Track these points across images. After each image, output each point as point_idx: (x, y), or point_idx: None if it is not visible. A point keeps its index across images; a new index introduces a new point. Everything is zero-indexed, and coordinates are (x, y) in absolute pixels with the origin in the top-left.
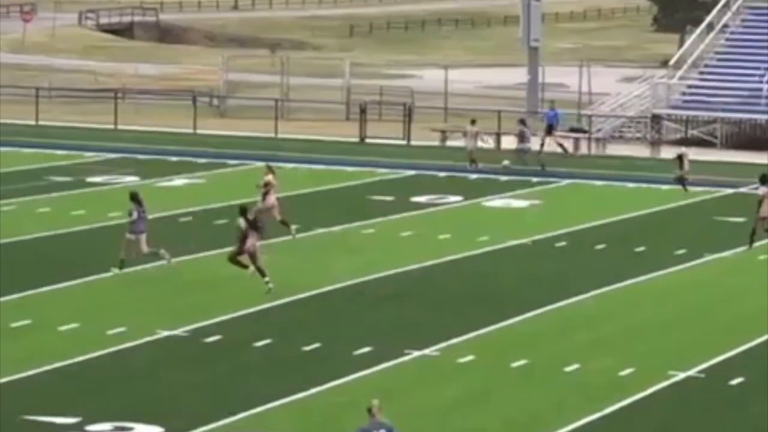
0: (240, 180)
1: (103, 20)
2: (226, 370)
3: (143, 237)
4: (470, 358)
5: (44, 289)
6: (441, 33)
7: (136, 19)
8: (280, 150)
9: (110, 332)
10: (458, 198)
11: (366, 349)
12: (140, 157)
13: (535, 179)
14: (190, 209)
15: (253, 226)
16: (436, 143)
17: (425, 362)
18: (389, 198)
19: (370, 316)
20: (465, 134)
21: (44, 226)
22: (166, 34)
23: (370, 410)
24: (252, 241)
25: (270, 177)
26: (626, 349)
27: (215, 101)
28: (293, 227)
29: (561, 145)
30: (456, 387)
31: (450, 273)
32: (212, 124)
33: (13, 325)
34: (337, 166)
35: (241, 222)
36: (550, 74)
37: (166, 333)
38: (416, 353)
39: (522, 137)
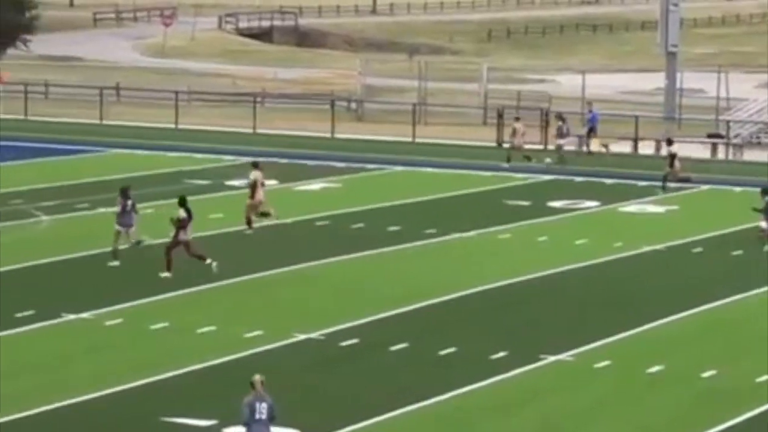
0: (377, 184)
1: (243, 24)
2: (361, 373)
3: (131, 230)
4: (606, 363)
5: (182, 291)
6: (579, 38)
7: (276, 23)
8: (417, 154)
9: (247, 335)
10: (595, 203)
11: (502, 354)
12: (278, 161)
13: (674, 185)
14: (327, 213)
15: (191, 217)
16: (573, 148)
17: (560, 367)
18: (526, 203)
19: (506, 321)
20: (513, 132)
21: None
22: (304, 39)
23: (252, 384)
24: (187, 232)
25: (257, 173)
26: (764, 355)
27: (353, 105)
28: (273, 211)
29: (605, 146)
30: (591, 392)
31: (586, 278)
32: (350, 129)
33: (152, 327)
34: (474, 171)
35: (182, 212)
36: (688, 80)
37: (302, 336)
38: (552, 358)
39: (561, 133)
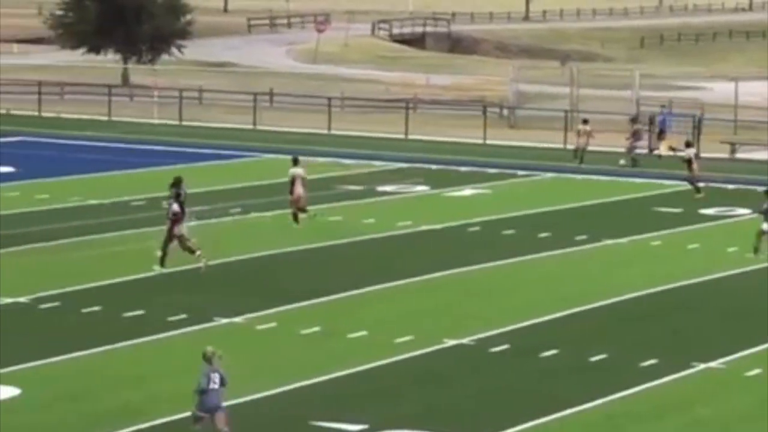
0: (528, 190)
1: (396, 30)
2: (511, 379)
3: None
4: (757, 371)
5: (334, 297)
6: (731, 45)
7: (428, 29)
8: (568, 161)
9: (398, 341)
10: (746, 211)
11: (652, 361)
12: (430, 166)
13: None
14: (478, 219)
15: (184, 212)
16: (725, 155)
17: (711, 375)
18: (677, 210)
19: (657, 328)
20: (578, 132)
21: (335, 234)
22: (457, 45)
23: (206, 356)
24: (181, 225)
25: (296, 170)
26: None
27: (505, 112)
28: (311, 211)
29: (673, 149)
30: (742, 400)
31: (737, 286)
32: (502, 135)
33: (304, 332)
34: (624, 178)
35: (175, 207)
36: None
37: (453, 342)
38: (702, 366)
39: (637, 136)
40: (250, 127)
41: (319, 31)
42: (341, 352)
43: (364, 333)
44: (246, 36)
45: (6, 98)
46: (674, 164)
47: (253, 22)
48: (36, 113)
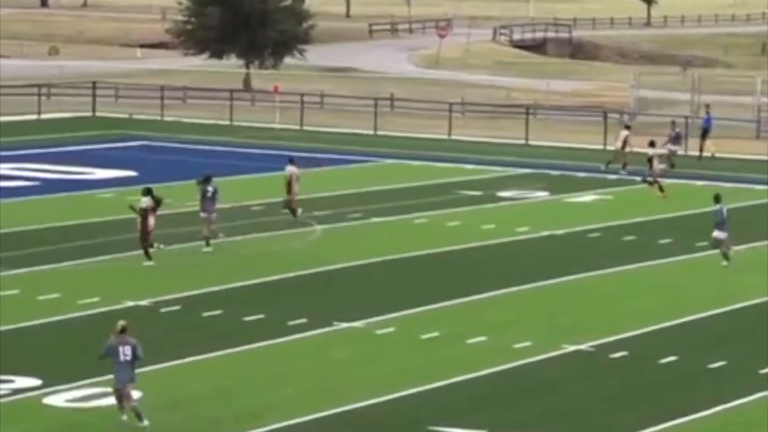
0: (649, 197)
1: (517, 36)
2: (630, 385)
3: (213, 216)
4: None
5: (453, 302)
6: None
7: (549, 35)
8: (690, 167)
9: (517, 346)
10: None
11: None
12: (550, 172)
13: None
14: (599, 225)
15: (158, 204)
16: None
17: None
18: None
19: None
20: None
21: (454, 239)
22: (578, 51)
23: (118, 329)
24: (152, 221)
25: (291, 168)
26: None
27: (626, 117)
28: (299, 211)
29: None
30: None
31: None
32: None
33: (423, 337)
34: (746, 184)
35: (144, 201)
36: None
37: (572, 348)
38: None
39: (677, 139)
40: (371, 132)
41: (441, 36)
42: (460, 357)
43: (483, 338)
44: (368, 41)
45: (129, 102)
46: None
47: (374, 28)
48: (158, 117)
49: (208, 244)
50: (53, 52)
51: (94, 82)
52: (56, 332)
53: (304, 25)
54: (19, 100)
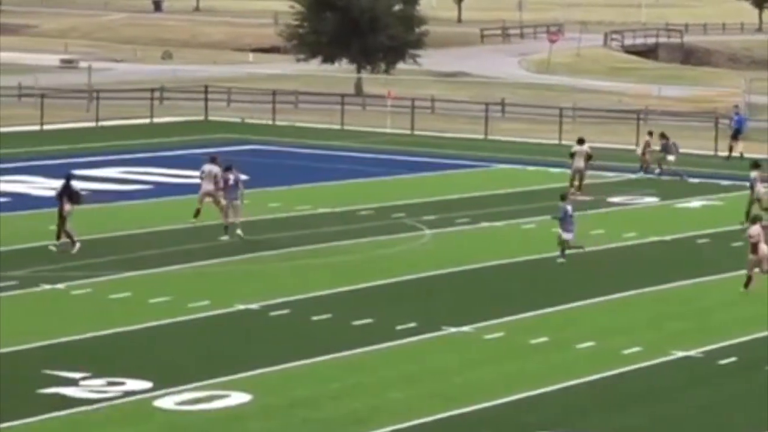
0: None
1: (628, 42)
2: (740, 392)
3: (236, 202)
4: None
5: (562, 307)
6: None
7: (661, 40)
8: None
9: (625, 351)
10: None
11: None
12: (660, 178)
13: None
14: (708, 231)
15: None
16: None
17: None
18: None
19: None
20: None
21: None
22: (689, 56)
23: None
24: (68, 207)
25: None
26: None
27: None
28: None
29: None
30: None
31: None
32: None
33: (532, 342)
34: None
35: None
36: None
37: (681, 354)
38: None
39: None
40: (482, 137)
41: (552, 41)
42: (569, 362)
43: (591, 343)
44: (479, 46)
45: (241, 107)
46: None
47: (486, 33)
48: (270, 122)
49: (228, 231)
50: (166, 56)
51: (206, 87)
52: (167, 335)
53: (417, 30)
54: (132, 104)
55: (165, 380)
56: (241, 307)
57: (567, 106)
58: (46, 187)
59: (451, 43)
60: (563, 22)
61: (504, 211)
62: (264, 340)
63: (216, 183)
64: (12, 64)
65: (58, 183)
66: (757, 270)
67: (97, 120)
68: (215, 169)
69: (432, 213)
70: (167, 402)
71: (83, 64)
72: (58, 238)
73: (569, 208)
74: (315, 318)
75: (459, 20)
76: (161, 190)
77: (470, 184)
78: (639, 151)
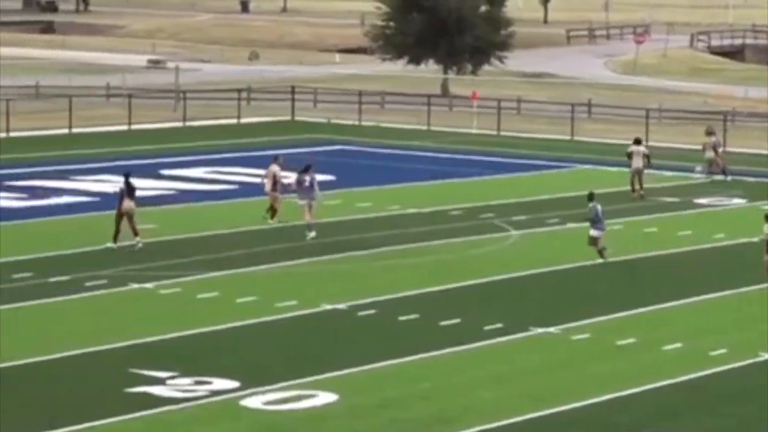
0: None
1: (715, 42)
2: None
3: (314, 203)
4: None
5: (649, 308)
6: None
7: (748, 41)
8: None
9: (713, 353)
10: None
11: None
12: (748, 179)
13: None
14: None
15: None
16: None
17: None
18: None
19: None
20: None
21: (650, 245)
22: None
23: None
24: (128, 203)
25: (275, 167)
26: None
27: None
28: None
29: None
30: None
31: None
32: None
33: (619, 343)
34: None
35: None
36: None
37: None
38: None
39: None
40: (568, 137)
41: (638, 42)
42: (658, 363)
43: (679, 345)
44: (565, 47)
45: (327, 107)
46: None
47: (572, 34)
48: (356, 122)
49: (310, 229)
50: (253, 56)
51: (292, 87)
52: (254, 335)
53: (503, 32)
54: (219, 104)
55: (252, 380)
56: (329, 306)
57: (653, 107)
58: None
59: (537, 44)
60: (649, 23)
61: None
62: (351, 340)
63: (275, 182)
64: (100, 64)
65: (145, 182)
66: None
67: (184, 120)
68: (275, 168)
69: (520, 213)
70: (254, 401)
71: (170, 65)
72: (116, 237)
73: (599, 207)
74: (402, 318)
75: (545, 21)
76: (248, 190)
77: (557, 184)
78: (709, 154)
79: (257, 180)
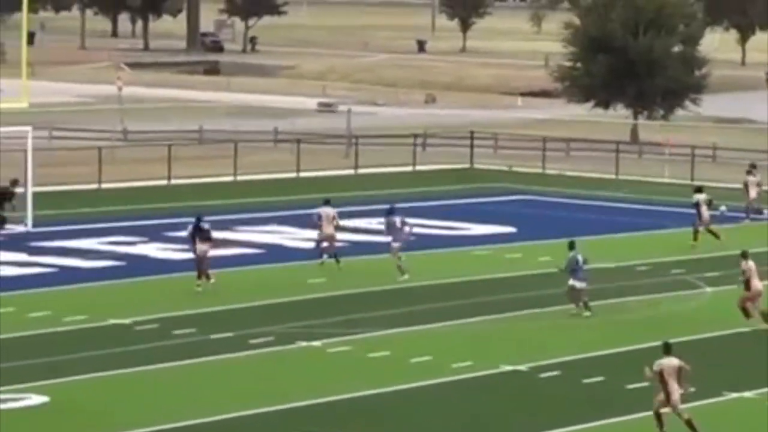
0: None
1: None
2: None
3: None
4: None
5: None
6: None
7: None
8: None
9: None
10: None
11: None
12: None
13: None
14: None
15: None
16: None
17: None
18: None
19: None
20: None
21: None
22: None
23: None
24: (201, 247)
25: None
26: None
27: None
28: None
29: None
30: None
31: None
32: None
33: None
34: None
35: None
36: None
37: None
38: None
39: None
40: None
41: None
42: None
43: None
44: (764, 90)
45: (509, 154)
46: None
47: None
48: (539, 170)
49: (402, 274)
50: (430, 99)
51: (471, 132)
52: (429, 396)
53: (697, 73)
54: (393, 150)
55: None
56: (508, 368)
57: None
58: (300, 237)
59: (734, 87)
60: None
61: None
62: (534, 404)
63: (335, 225)
64: (267, 107)
65: (311, 233)
66: None
67: (356, 167)
68: (330, 211)
69: (714, 269)
70: None
71: (342, 108)
72: (199, 277)
73: (580, 257)
74: (587, 381)
75: (743, 63)
76: (423, 242)
77: (756, 238)
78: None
79: (432, 232)
